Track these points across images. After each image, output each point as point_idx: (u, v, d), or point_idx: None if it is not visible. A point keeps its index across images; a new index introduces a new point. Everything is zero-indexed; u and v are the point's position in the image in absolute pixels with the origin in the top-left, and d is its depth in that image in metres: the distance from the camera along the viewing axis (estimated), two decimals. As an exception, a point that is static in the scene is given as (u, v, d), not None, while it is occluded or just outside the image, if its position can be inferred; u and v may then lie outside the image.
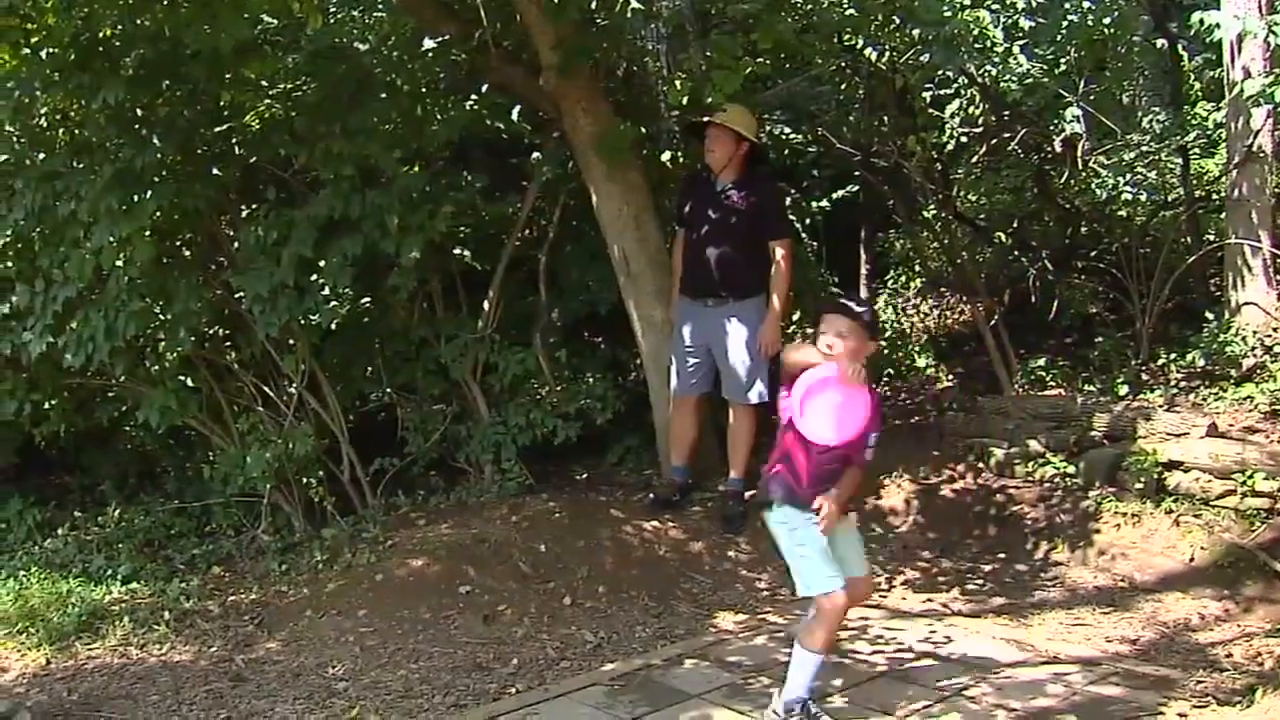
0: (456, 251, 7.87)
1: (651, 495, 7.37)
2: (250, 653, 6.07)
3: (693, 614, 6.27)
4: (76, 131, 7.13)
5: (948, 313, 10.70)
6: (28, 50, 6.79)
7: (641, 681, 5.31)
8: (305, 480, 7.38)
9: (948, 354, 9.69)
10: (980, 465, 7.36)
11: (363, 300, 7.29)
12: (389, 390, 7.82)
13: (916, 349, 9.47)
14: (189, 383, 7.45)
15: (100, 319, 6.64)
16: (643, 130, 8.04)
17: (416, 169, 7.38)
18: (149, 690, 5.69)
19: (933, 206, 9.24)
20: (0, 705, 5.23)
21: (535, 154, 7.86)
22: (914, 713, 4.74)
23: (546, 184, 7.76)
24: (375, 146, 6.89)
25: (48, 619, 6.42)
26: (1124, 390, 7.38)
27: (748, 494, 7.06)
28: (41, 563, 7.28)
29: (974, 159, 9.25)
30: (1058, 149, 8.28)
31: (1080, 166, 8.43)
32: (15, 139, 6.95)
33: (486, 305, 7.64)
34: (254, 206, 7.32)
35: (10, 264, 6.94)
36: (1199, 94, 8.89)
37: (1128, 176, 8.07)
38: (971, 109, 8.48)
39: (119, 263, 6.67)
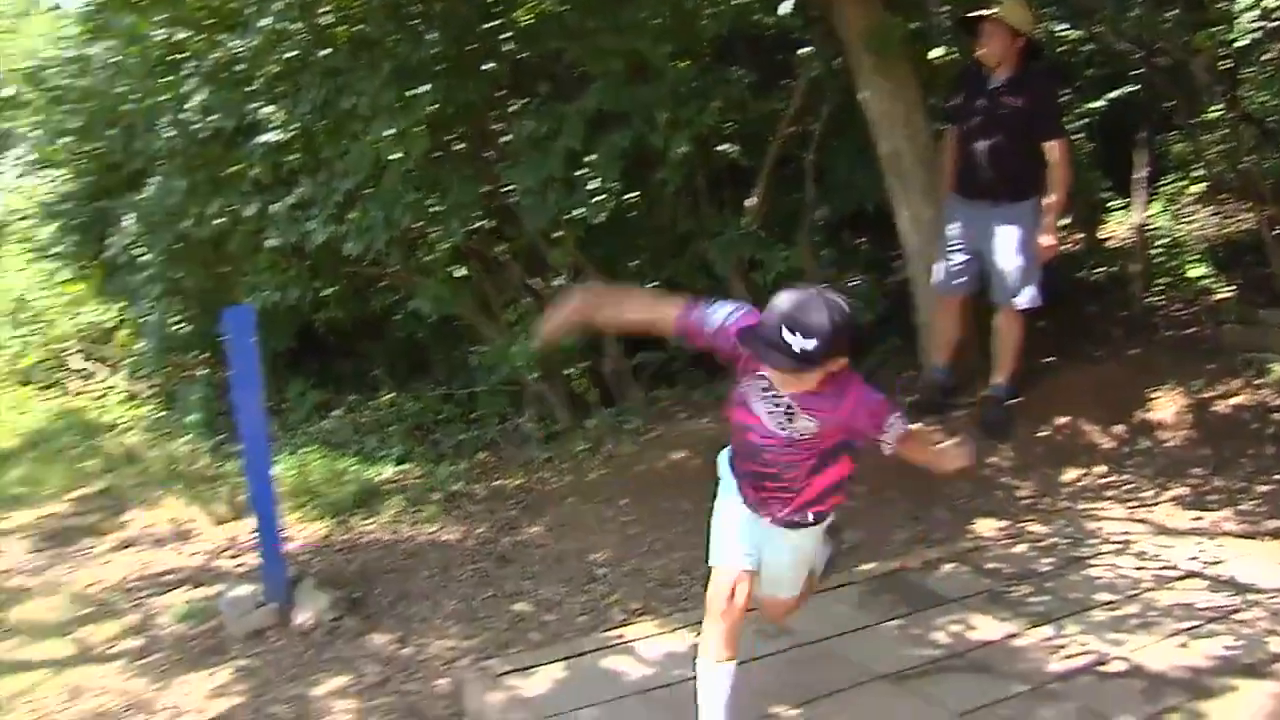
0: (723, 147, 7.83)
1: (914, 397, 7.27)
2: (515, 535, 6.28)
3: (951, 519, 6.19)
4: (357, 28, 7.30)
5: (1228, 220, 10.20)
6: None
7: (898, 583, 5.28)
8: (569, 371, 7.53)
9: (1226, 264, 9.26)
10: (1258, 381, 7.03)
11: (629, 195, 7.31)
12: (654, 284, 7.87)
13: (1192, 258, 9.07)
14: (460, 273, 7.65)
15: (378, 210, 6.84)
16: (912, 25, 7.83)
17: (685, 64, 7.33)
18: (420, 566, 5.96)
19: (1218, 107, 8.78)
20: (289, 570, 5.52)
21: (803, 49, 7.74)
22: (1179, 632, 4.59)
23: (814, 80, 7.62)
24: (644, 41, 6.86)
25: (327, 494, 6.78)
26: None
27: (1011, 400, 6.92)
28: (320, 441, 7.66)
29: (1266, 56, 8.74)
30: (1360, 45, 7.76)
31: (1386, 64, 7.90)
32: (301, 37, 7.13)
33: (752, 202, 7.58)
34: (524, 101, 7.41)
35: (296, 157, 7.18)
36: None
37: None
38: (1267, 1, 8.00)
39: (396, 155, 6.81)
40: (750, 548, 3.75)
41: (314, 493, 6.86)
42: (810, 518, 3.82)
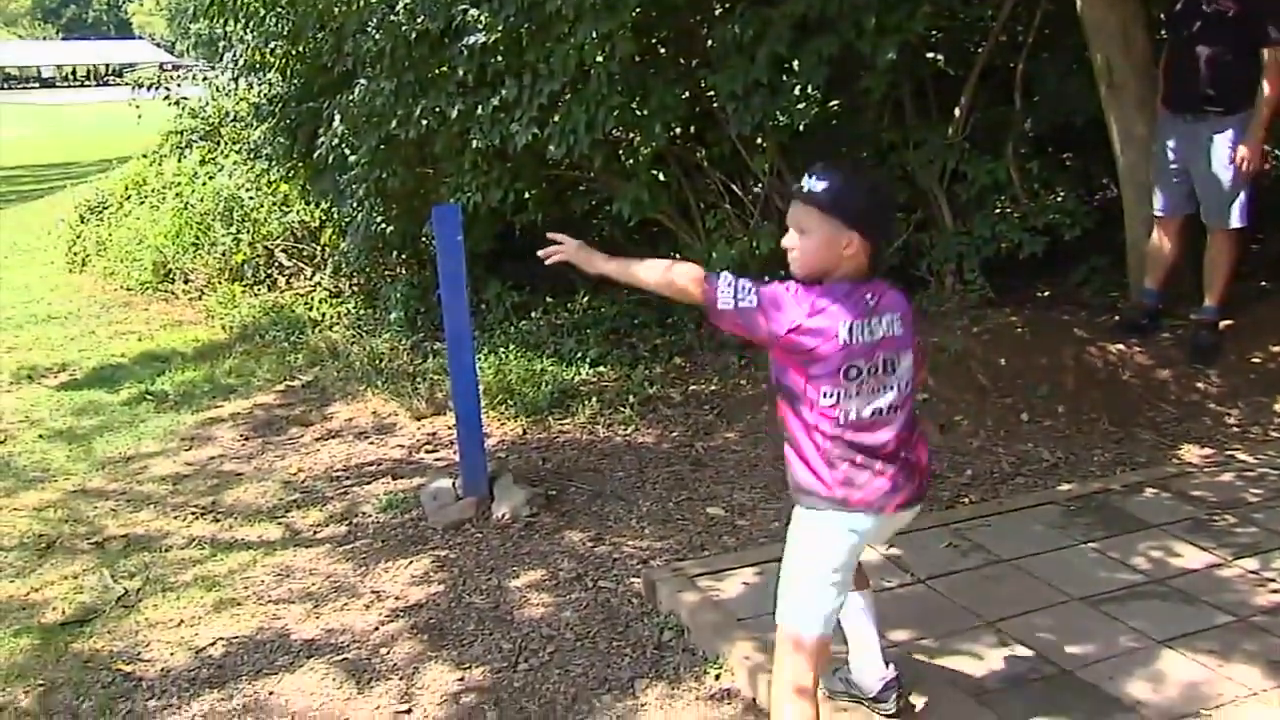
0: (930, 55, 7.65)
1: (1119, 317, 7.07)
2: (709, 440, 6.31)
3: (1155, 443, 6.06)
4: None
5: None
6: None
7: (1098, 505, 5.20)
8: (767, 279, 7.47)
9: None
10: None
11: (833, 102, 7.20)
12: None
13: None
14: (661, 178, 7.64)
15: (582, 112, 6.83)
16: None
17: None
18: (615, 466, 6.03)
19: None
20: (488, 466, 5.63)
21: (1017, -46, 7.51)
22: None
23: (1027, -14, 7.42)
24: (854, -57, 6.74)
25: (524, 394, 6.89)
26: None
27: (1222, 324, 6.68)
28: (517, 342, 7.77)
29: None
30: None
31: None
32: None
33: (958, 112, 7.41)
34: (729, 4, 7.33)
35: (500, 59, 7.19)
36: None
37: None
38: None
39: (600, 58, 6.81)
40: None
41: (511, 391, 6.97)
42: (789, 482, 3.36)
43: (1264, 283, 7.25)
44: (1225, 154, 6.40)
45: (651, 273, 3.37)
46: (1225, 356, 6.63)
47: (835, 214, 3.08)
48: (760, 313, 3.10)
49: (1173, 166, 6.63)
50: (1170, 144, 6.63)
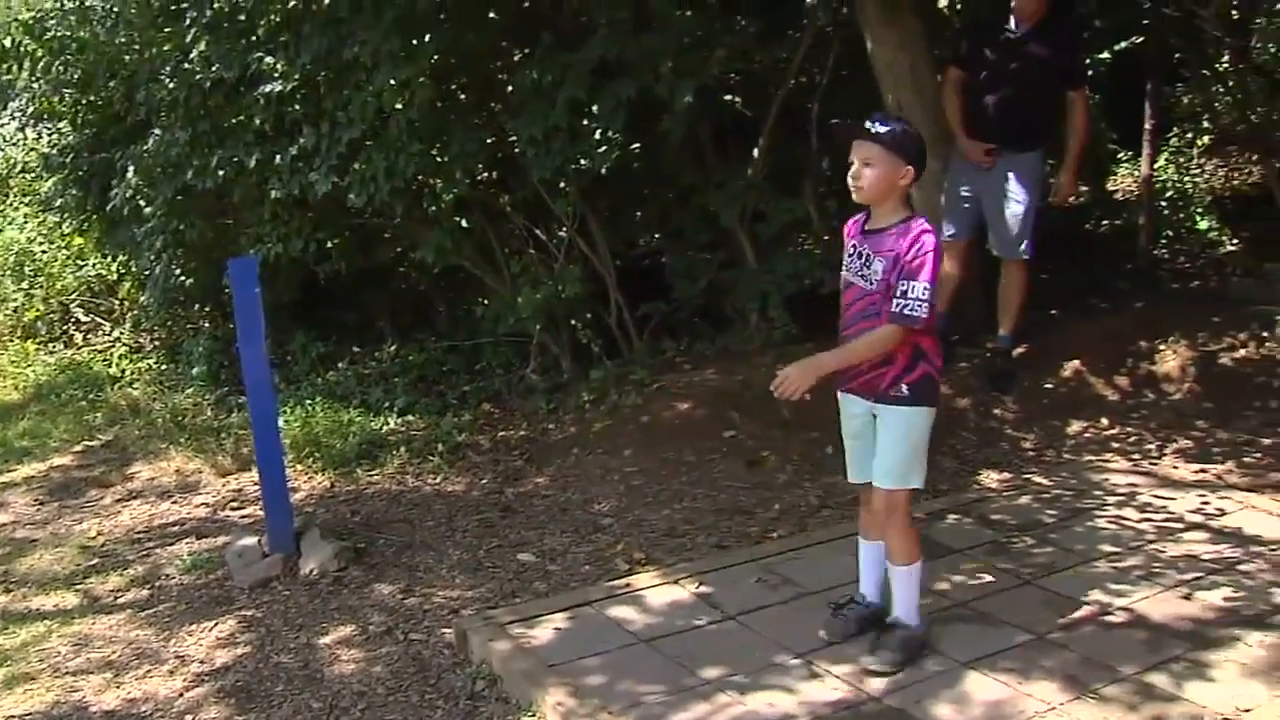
0: (728, 98, 7.79)
1: None
2: (519, 486, 6.29)
3: (956, 470, 6.21)
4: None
5: (1235, 173, 10.16)
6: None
7: (904, 533, 5.29)
8: (573, 322, 7.54)
9: (1233, 216, 9.23)
10: (1264, 334, 7.02)
11: (634, 145, 7.28)
12: (657, 236, 7.85)
13: (1199, 210, 9.03)
14: (464, 224, 7.62)
15: (382, 160, 6.80)
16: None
17: (690, 13, 7.25)
18: (425, 516, 5.98)
19: (1226, 58, 8.73)
20: (294, 521, 5.53)
21: (809, -1, 7.70)
22: (1182, 584, 4.61)
23: (819, 30, 7.59)
24: (649, -11, 6.84)
25: (331, 446, 6.78)
26: None
27: (1017, 352, 6.91)
28: (324, 393, 7.66)
29: (1277, 5, 8.68)
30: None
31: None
32: (303, -17, 7.08)
33: (756, 152, 7.55)
34: (528, 50, 7.36)
35: (298, 107, 7.13)
36: None
37: None
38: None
39: (399, 105, 6.79)
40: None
41: (318, 444, 6.86)
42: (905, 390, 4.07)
43: (1054, 311, 7.51)
44: (1020, 189, 6.64)
45: (869, 349, 3.99)
46: (1020, 383, 6.84)
47: (896, 150, 3.87)
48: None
49: (964, 195, 6.84)
50: (965, 176, 6.84)
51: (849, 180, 3.97)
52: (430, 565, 5.41)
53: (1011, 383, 6.86)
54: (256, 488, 6.02)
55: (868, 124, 3.91)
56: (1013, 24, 6.68)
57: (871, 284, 3.98)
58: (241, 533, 5.81)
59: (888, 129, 3.89)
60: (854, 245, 4.08)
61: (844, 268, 4.13)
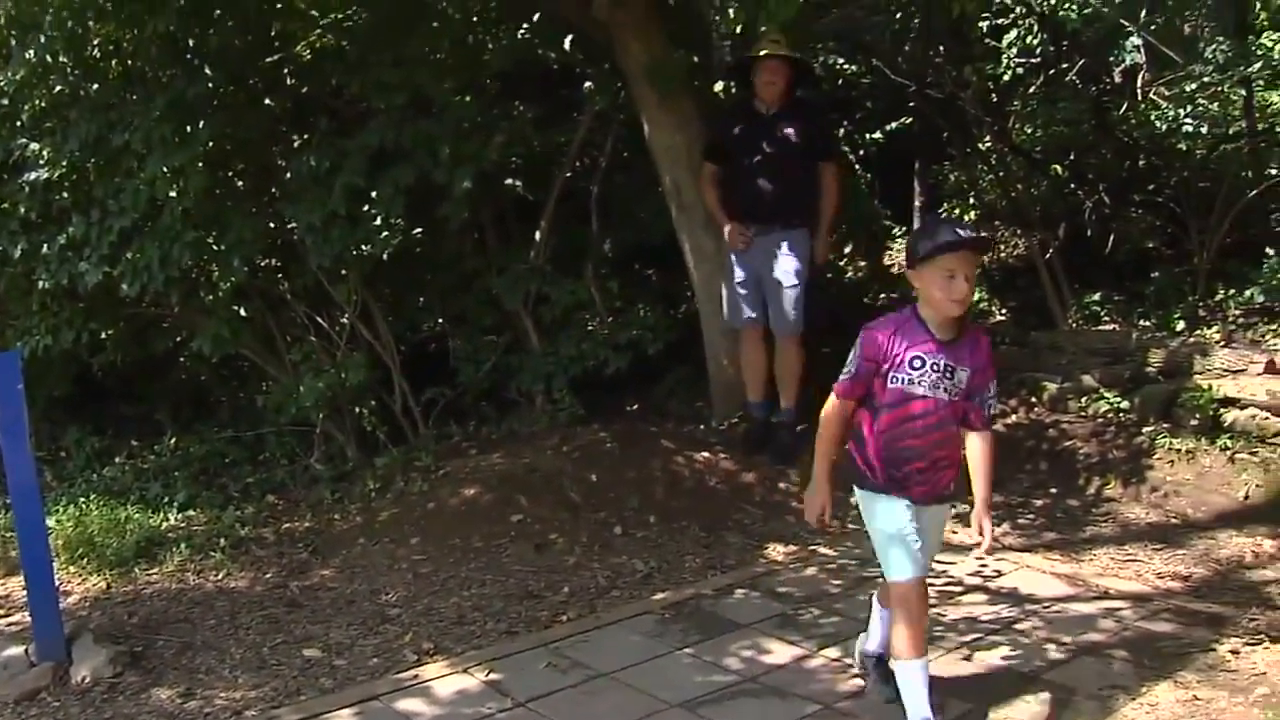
0: (508, 182, 7.84)
1: (744, 435, 7.30)
2: (305, 579, 6.15)
3: (743, 544, 6.28)
4: (129, 62, 7.11)
5: (1001, 247, 10.59)
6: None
7: (692, 611, 5.34)
8: (358, 410, 7.45)
9: (1001, 288, 9.61)
10: (1033, 400, 7.32)
11: (415, 230, 7.26)
12: (441, 320, 7.83)
13: (969, 283, 9.36)
14: (243, 312, 7.49)
15: (155, 249, 6.65)
16: (695, 60, 7.96)
17: (468, 98, 7.31)
18: (206, 614, 5.78)
19: (988, 138, 9.13)
20: (65, 627, 5.30)
21: (587, 84, 7.81)
22: (963, 645, 4.74)
23: (598, 114, 7.71)
24: (427, 75, 6.87)
25: (107, 545, 6.52)
26: (1180, 326, 7.32)
27: (799, 426, 7.04)
28: (100, 490, 7.39)
29: (1031, 90, 9.13)
30: (1117, 80, 8.17)
31: (1140, 98, 8.30)
32: (69, 70, 6.91)
33: (538, 236, 7.62)
34: (306, 136, 7.32)
35: (66, 195, 6.95)
36: (1264, 23, 8.67)
37: (1188, 109, 7.95)
38: (1029, 39, 8.36)
39: (173, 193, 6.67)
40: (921, 548, 3.98)
41: (93, 544, 6.59)
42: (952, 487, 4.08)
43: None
44: (791, 264, 6.82)
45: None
46: (804, 456, 6.96)
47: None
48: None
49: (743, 278, 6.98)
50: (740, 257, 6.98)
51: (953, 295, 3.74)
52: (212, 666, 5.23)
53: (794, 455, 6.96)
54: (24, 593, 5.77)
55: (965, 233, 3.78)
56: (763, 108, 6.91)
57: (953, 395, 3.89)
58: (8, 642, 5.54)
59: (981, 234, 4.00)
60: (924, 357, 3.86)
61: (907, 382, 3.88)
